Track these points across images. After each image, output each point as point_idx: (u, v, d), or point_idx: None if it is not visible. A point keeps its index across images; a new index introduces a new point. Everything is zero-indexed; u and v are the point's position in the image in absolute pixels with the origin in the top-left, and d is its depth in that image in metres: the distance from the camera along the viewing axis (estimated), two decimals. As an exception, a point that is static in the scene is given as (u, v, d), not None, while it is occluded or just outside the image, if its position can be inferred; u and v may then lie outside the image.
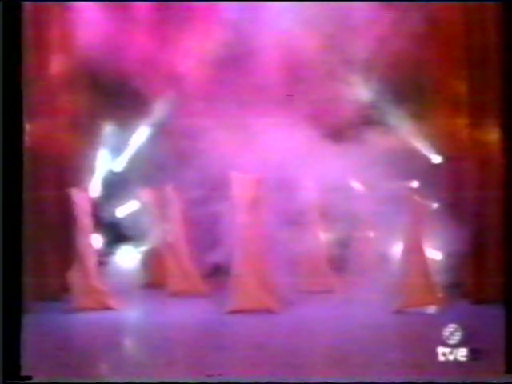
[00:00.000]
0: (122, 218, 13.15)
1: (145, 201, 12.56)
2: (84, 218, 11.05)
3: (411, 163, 11.86)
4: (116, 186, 12.93)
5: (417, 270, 10.38)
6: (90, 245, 11.14)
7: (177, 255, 11.97)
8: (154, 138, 13.19)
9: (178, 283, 11.83)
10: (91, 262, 11.07)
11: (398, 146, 12.28)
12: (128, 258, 13.34)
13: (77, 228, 11.02)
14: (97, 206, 11.83)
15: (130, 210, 13.17)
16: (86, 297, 10.92)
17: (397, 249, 11.10)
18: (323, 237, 12.13)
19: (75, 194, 11.07)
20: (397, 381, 7.16)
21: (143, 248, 12.99)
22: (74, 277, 10.99)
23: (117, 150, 13.22)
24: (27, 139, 10.21)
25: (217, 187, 11.42)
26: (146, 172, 12.77)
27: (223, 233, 11.19)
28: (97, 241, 11.82)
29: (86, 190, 11.48)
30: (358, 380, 7.26)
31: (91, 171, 12.56)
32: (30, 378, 7.36)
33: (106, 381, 7.57)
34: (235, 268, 10.63)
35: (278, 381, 7.28)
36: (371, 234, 12.20)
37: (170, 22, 12.61)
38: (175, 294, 11.70)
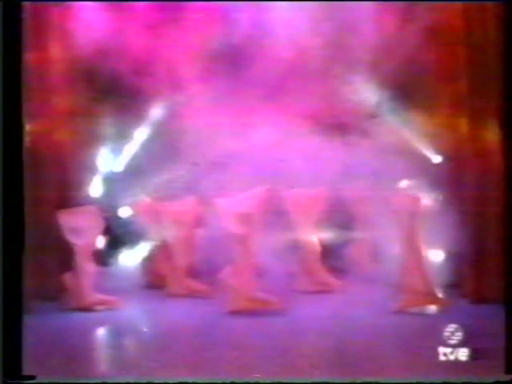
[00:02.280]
0: (122, 218, 13.14)
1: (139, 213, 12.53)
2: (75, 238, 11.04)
3: (411, 162, 11.86)
4: (116, 186, 12.92)
5: (416, 270, 10.37)
6: (87, 246, 11.14)
7: (176, 255, 11.96)
8: (153, 138, 13.19)
9: (178, 284, 11.82)
10: (89, 263, 11.07)
11: (398, 145, 12.28)
12: (128, 258, 13.33)
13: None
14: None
15: (131, 211, 13.16)
16: (84, 297, 10.92)
17: (397, 248, 11.08)
18: (323, 236, 12.13)
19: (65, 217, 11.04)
20: (397, 381, 7.16)
21: (143, 248, 12.99)
22: (70, 278, 11.00)
23: (117, 150, 13.22)
24: (27, 139, 10.24)
25: (216, 187, 11.41)
26: (145, 172, 12.77)
27: (222, 233, 11.16)
28: (96, 241, 11.82)
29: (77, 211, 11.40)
30: (358, 380, 7.26)
31: (91, 171, 12.56)
32: (33, 377, 7.37)
33: (106, 381, 7.57)
34: (235, 268, 10.63)
35: (278, 381, 7.28)
36: (371, 234, 12.19)
37: (169, 20, 12.61)
38: (175, 295, 11.69)
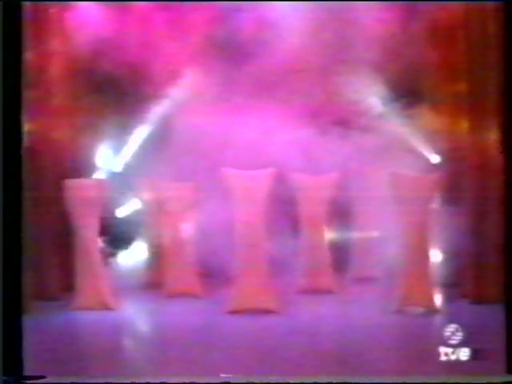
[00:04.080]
0: (122, 218, 13.14)
1: (145, 197, 12.47)
2: (88, 212, 10.99)
3: (411, 163, 11.86)
4: (116, 186, 12.92)
5: (417, 270, 10.38)
6: (96, 240, 11.13)
7: (176, 255, 11.95)
8: (154, 137, 13.19)
9: (178, 284, 11.80)
10: (97, 258, 11.05)
11: (398, 145, 12.29)
12: (127, 257, 13.33)
13: (79, 224, 10.98)
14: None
15: (130, 210, 13.17)
16: (87, 296, 10.89)
17: (397, 248, 11.09)
18: (323, 236, 12.11)
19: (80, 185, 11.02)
20: (398, 381, 7.16)
21: (142, 248, 12.99)
22: (79, 274, 10.96)
23: (117, 150, 13.23)
24: (26, 138, 10.24)
25: (216, 186, 11.39)
26: (145, 171, 12.76)
27: (222, 233, 11.17)
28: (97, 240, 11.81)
29: (93, 180, 11.33)
30: (358, 380, 7.26)
31: (91, 171, 12.56)
32: (43, 377, 7.39)
33: (105, 381, 7.57)
34: (234, 268, 10.63)
35: (278, 381, 7.28)
36: (371, 234, 12.20)
37: (168, 18, 12.64)
38: (175, 295, 11.68)
